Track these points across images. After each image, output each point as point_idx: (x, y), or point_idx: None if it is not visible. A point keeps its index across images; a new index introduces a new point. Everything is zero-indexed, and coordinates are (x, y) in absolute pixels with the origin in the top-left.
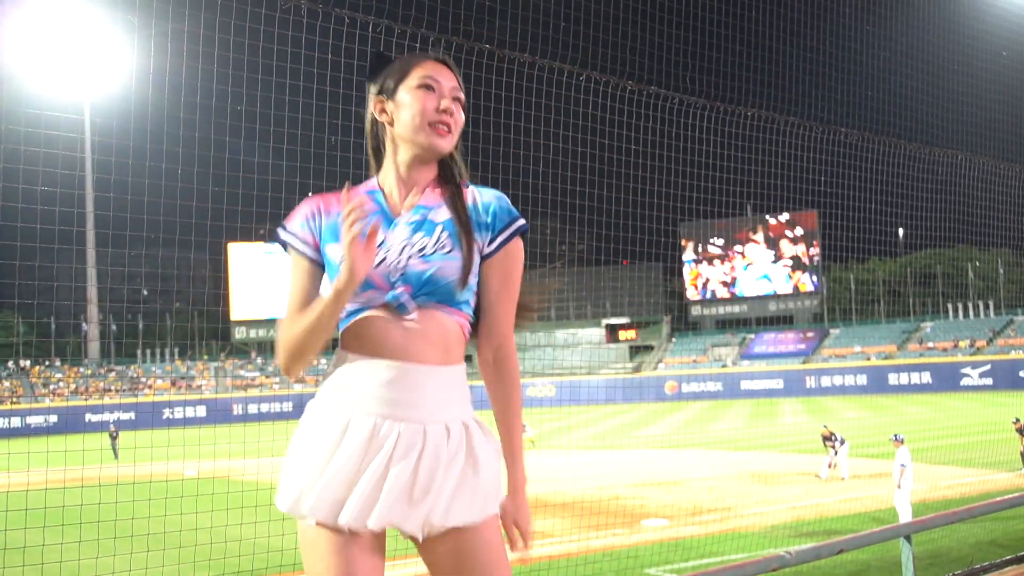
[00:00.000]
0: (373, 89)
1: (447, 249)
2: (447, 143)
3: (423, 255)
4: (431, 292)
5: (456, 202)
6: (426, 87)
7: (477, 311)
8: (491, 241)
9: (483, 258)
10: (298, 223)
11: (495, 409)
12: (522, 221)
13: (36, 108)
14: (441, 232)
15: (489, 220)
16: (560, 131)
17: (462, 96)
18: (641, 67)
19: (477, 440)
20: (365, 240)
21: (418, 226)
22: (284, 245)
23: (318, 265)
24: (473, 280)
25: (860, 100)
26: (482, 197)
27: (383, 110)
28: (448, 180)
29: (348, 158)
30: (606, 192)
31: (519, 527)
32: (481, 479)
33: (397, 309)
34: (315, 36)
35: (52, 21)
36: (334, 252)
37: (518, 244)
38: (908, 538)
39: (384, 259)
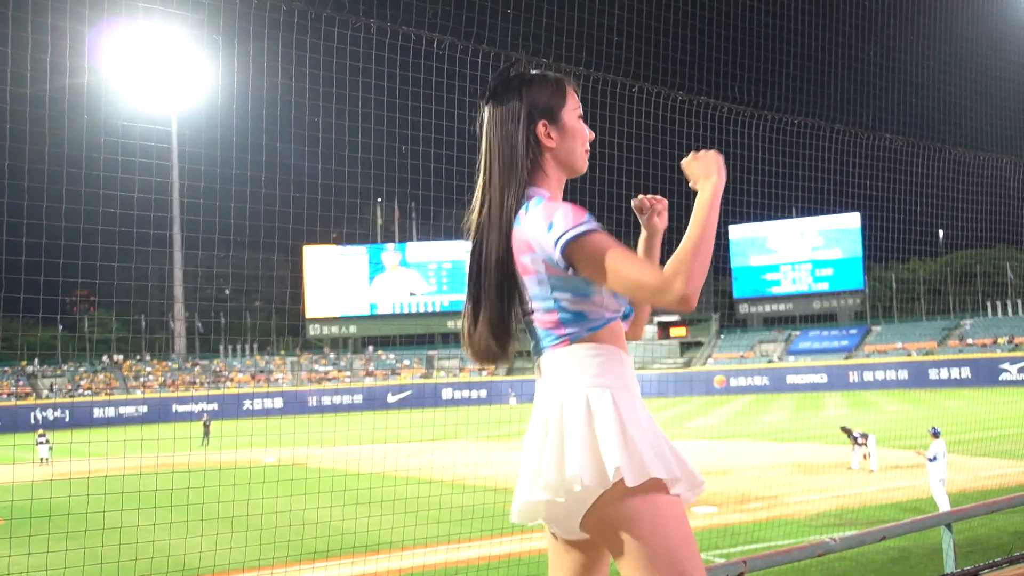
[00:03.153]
0: (517, 109)
1: None
2: None
3: None
4: None
5: None
6: (581, 116)
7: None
8: None
9: None
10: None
11: None
12: None
13: (129, 121)
14: None
15: None
16: (615, 139)
17: None
18: (691, 78)
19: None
20: None
21: None
22: (587, 232)
23: None
24: None
25: (904, 107)
26: None
27: (549, 135)
28: None
29: (418, 165)
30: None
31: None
32: None
33: (625, 317)
34: (384, 52)
35: (143, 42)
36: None
37: None
38: (949, 526)
39: None
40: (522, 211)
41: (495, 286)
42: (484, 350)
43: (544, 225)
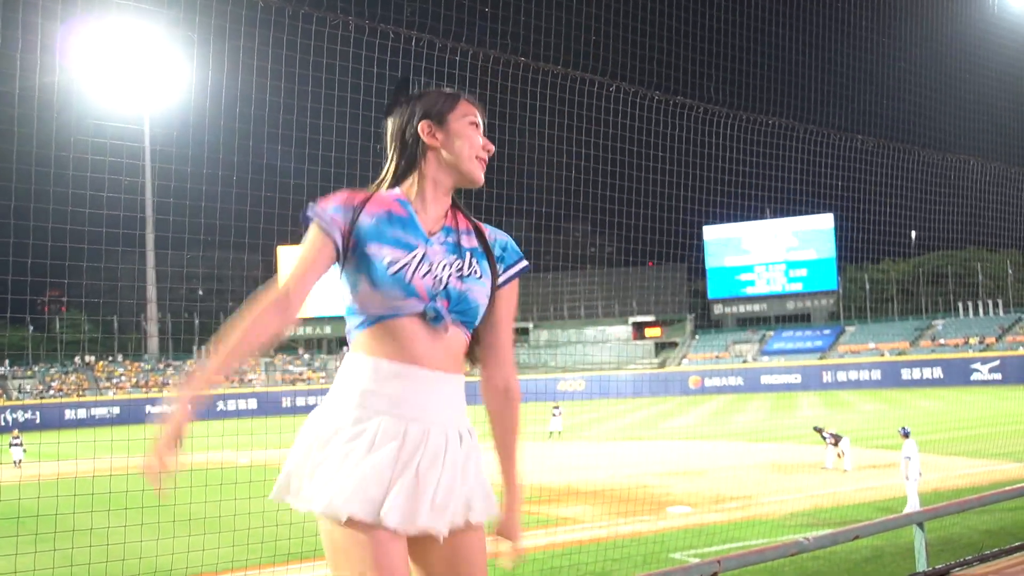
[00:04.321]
0: (407, 114)
1: (478, 275)
2: (483, 177)
3: (460, 276)
4: (463, 311)
5: (481, 235)
6: (473, 124)
7: (477, 340)
8: (504, 272)
9: (495, 288)
10: (332, 207)
11: (498, 432)
12: (526, 263)
13: (101, 120)
14: (471, 258)
15: (502, 254)
16: (591, 139)
17: None
18: (668, 78)
19: (476, 446)
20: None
21: (453, 248)
22: (309, 220)
23: (335, 250)
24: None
25: (876, 108)
26: (495, 234)
27: (432, 135)
28: (459, 210)
29: None
30: (633, 197)
31: (512, 540)
32: (484, 481)
33: (432, 320)
34: (362, 51)
35: (115, 40)
36: (377, 252)
37: (517, 283)
38: (921, 525)
39: (429, 271)
40: None
41: None
42: None
43: None
